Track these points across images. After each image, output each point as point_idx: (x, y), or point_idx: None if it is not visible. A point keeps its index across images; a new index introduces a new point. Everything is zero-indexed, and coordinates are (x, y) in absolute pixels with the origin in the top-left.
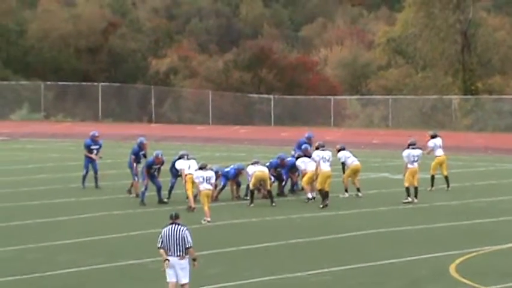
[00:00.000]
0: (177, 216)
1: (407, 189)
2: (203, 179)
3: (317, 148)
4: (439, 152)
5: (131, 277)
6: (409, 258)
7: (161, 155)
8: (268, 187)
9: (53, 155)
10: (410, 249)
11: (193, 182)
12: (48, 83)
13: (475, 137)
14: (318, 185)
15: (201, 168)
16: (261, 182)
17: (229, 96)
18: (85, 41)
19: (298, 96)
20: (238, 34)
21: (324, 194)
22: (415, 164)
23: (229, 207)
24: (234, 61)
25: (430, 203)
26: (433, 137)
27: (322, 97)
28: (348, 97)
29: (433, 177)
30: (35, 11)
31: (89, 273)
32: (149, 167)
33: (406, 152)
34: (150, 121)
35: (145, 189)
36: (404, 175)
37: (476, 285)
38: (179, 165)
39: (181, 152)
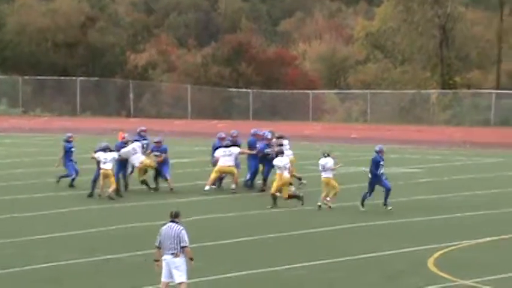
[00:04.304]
0: (176, 215)
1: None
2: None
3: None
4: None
5: (108, 272)
6: (387, 253)
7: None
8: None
9: (30, 150)
10: (389, 243)
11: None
12: (26, 77)
13: (453, 131)
14: (273, 189)
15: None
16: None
17: (208, 91)
18: (63, 35)
19: (277, 91)
20: (217, 28)
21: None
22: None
23: (207, 202)
24: (212, 55)
25: (408, 197)
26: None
27: (301, 91)
28: (326, 91)
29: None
30: (12, 5)
31: (66, 268)
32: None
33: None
34: (128, 115)
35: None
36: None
37: (454, 279)
38: (97, 155)
39: (103, 144)
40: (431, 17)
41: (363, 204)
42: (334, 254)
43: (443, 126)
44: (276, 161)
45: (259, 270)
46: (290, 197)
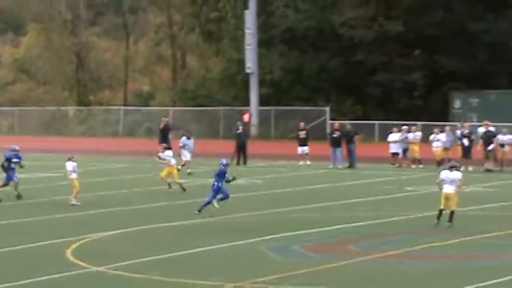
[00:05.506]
0: None
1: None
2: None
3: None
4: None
5: None
6: (28, 246)
7: None
8: None
9: None
10: (30, 237)
11: None
12: None
13: (89, 142)
14: None
15: None
16: None
17: None
18: None
19: None
20: None
21: None
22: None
23: None
24: None
25: (48, 198)
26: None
27: None
28: None
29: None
30: None
31: None
32: None
33: None
34: None
35: None
36: None
37: (90, 266)
38: None
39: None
40: (69, 46)
41: (200, 210)
42: None
43: (80, 137)
44: None
45: None
46: None
